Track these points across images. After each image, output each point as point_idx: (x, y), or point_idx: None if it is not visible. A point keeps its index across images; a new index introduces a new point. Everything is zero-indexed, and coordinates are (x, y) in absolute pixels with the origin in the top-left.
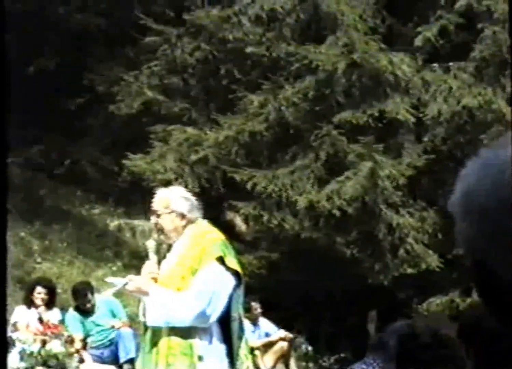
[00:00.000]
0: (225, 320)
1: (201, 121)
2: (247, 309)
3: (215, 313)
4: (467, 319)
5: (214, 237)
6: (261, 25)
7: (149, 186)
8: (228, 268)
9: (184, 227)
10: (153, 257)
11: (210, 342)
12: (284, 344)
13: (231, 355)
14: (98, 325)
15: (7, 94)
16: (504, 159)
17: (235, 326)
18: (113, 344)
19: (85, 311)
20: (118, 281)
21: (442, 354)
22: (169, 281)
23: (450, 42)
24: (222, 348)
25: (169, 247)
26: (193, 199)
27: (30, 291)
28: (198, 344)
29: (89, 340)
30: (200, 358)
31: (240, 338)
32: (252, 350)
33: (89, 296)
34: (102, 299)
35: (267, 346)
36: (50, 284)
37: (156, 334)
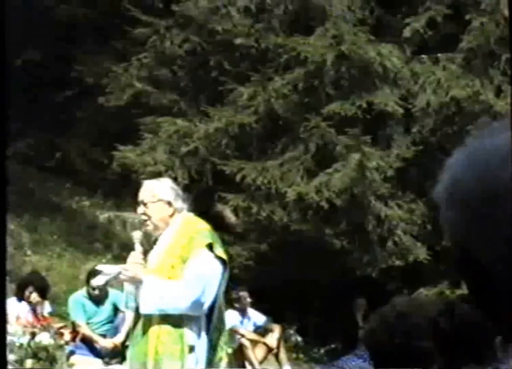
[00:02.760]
0: (210, 310)
1: (190, 113)
2: (237, 299)
3: (208, 300)
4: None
5: (201, 226)
6: (250, 17)
7: (139, 178)
8: (216, 256)
9: (171, 216)
10: (138, 247)
11: (199, 332)
12: (275, 336)
13: (210, 347)
14: (97, 319)
15: (6, 90)
16: (490, 149)
17: (215, 315)
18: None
19: (95, 298)
20: (110, 270)
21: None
22: (159, 271)
23: (438, 33)
24: (205, 339)
25: (155, 239)
26: (179, 190)
27: (22, 288)
28: (189, 334)
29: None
30: (191, 348)
31: (218, 328)
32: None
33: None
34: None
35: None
36: (42, 283)
37: (147, 324)
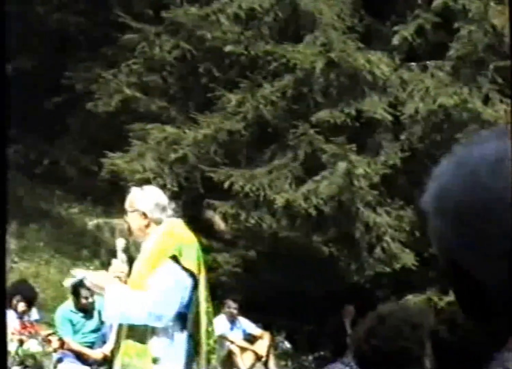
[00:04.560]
0: (183, 321)
1: (179, 120)
2: (225, 307)
3: (169, 312)
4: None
5: (175, 237)
6: (240, 24)
7: (128, 185)
8: (184, 268)
9: (147, 226)
10: (121, 255)
11: (169, 343)
12: (264, 343)
13: (188, 356)
14: (85, 329)
15: (6, 92)
16: (478, 157)
17: (188, 327)
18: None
19: (82, 308)
20: (79, 274)
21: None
22: (133, 281)
23: (427, 41)
24: (180, 349)
25: (138, 248)
26: (161, 199)
27: (9, 296)
28: (155, 346)
29: (75, 338)
30: (155, 360)
31: (195, 339)
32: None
33: (85, 293)
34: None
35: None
36: (30, 292)
37: (118, 334)
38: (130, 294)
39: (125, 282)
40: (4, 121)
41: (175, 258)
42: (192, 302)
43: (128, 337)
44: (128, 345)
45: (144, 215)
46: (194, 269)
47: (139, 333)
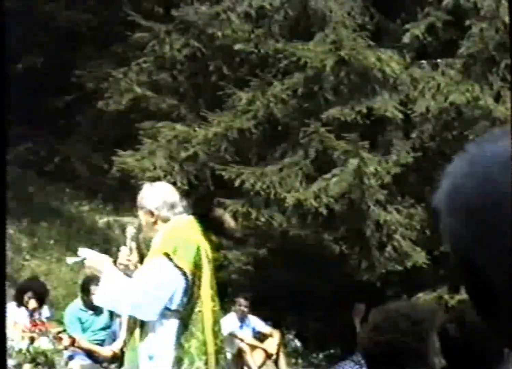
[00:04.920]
0: (179, 319)
1: (190, 118)
2: (236, 305)
3: (152, 307)
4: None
5: (174, 236)
6: (250, 22)
7: (138, 183)
8: (176, 265)
9: (154, 224)
10: (129, 243)
11: (162, 340)
12: (274, 341)
13: (177, 355)
14: (94, 327)
15: (6, 91)
16: (490, 155)
17: (178, 324)
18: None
19: (91, 306)
20: (82, 254)
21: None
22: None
23: (438, 39)
24: (171, 347)
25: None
26: (170, 197)
27: (21, 293)
28: (149, 343)
29: (85, 335)
30: (150, 357)
31: (184, 337)
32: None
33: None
34: None
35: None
36: (41, 288)
37: (132, 326)
38: (122, 282)
39: (134, 270)
40: (4, 121)
41: (167, 255)
42: (189, 300)
43: (132, 333)
44: (131, 339)
45: (151, 212)
46: (186, 269)
47: (140, 329)
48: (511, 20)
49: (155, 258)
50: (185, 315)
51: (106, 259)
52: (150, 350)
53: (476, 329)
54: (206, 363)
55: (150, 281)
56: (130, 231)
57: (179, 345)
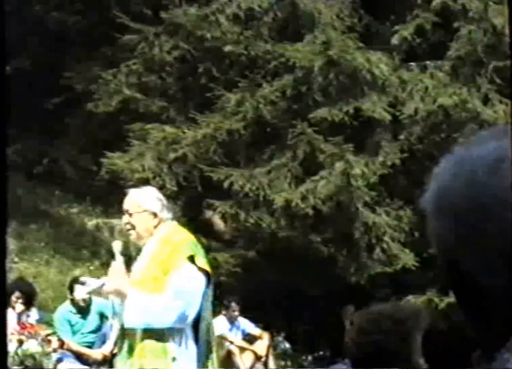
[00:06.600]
0: (196, 321)
1: (179, 120)
2: (226, 308)
3: (192, 312)
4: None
5: (183, 237)
6: (239, 24)
7: (127, 184)
8: (199, 268)
9: (155, 226)
10: (119, 258)
11: (184, 343)
12: (264, 343)
13: (200, 356)
14: (84, 329)
15: (5, 92)
16: (477, 157)
17: (203, 326)
18: (104, 336)
19: (80, 308)
20: (93, 283)
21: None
22: (142, 283)
23: (426, 41)
24: (193, 349)
25: (138, 250)
26: (164, 199)
27: (9, 294)
28: (172, 346)
29: (75, 338)
30: (173, 359)
31: (206, 339)
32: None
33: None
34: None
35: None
36: (29, 288)
37: (131, 337)
38: (153, 299)
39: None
40: (5, 121)
41: (191, 258)
42: (205, 301)
43: (144, 338)
44: (145, 346)
45: (155, 214)
46: (207, 268)
47: (157, 334)
48: (510, 21)
49: (179, 263)
50: (199, 316)
51: (125, 280)
52: (174, 352)
53: (462, 330)
54: (212, 363)
55: (185, 289)
56: (117, 245)
57: (198, 346)
